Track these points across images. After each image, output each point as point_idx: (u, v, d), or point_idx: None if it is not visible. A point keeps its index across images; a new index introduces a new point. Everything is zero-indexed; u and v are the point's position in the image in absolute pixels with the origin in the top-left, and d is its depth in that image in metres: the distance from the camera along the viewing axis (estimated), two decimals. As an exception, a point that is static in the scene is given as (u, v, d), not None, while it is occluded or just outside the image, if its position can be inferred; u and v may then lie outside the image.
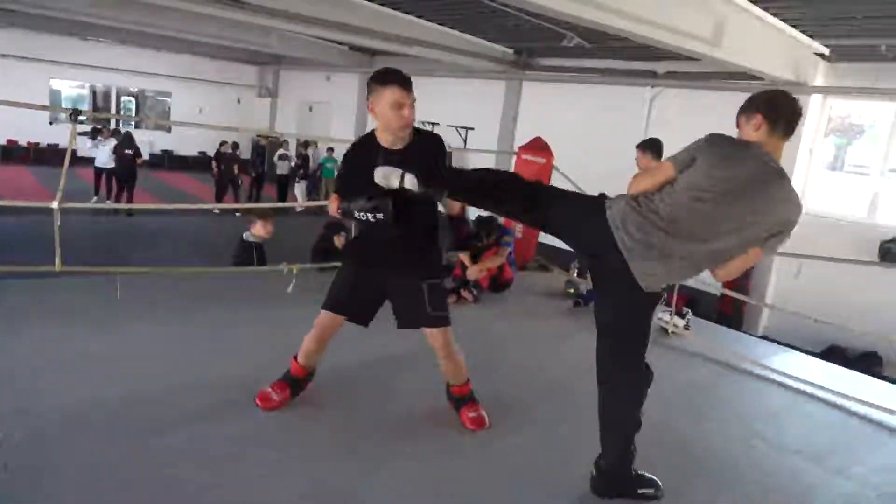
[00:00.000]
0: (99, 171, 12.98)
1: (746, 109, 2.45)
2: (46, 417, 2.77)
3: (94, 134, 13.48)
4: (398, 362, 3.83)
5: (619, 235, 2.35)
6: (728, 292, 6.69)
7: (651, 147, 5.17)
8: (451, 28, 10.96)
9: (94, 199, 12.39)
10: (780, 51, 7.85)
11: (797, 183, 9.02)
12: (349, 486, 2.56)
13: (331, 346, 3.08)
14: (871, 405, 4.05)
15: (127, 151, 12.80)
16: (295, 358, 3.07)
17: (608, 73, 11.24)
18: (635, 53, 10.05)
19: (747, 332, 7.38)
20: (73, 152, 15.83)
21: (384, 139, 2.77)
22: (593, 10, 5.47)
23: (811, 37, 7.95)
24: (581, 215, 2.54)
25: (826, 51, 8.37)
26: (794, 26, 7.53)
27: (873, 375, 5.32)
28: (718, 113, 10.62)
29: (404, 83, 2.66)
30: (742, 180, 2.28)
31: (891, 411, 3.98)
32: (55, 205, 3.81)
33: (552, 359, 4.41)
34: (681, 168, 2.40)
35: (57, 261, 3.81)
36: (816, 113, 9.09)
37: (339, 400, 3.26)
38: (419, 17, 10.22)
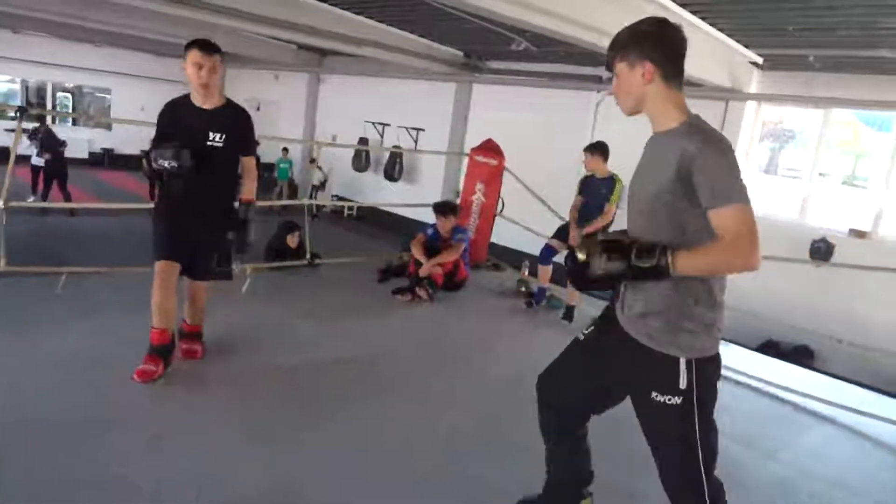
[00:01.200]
0: (36, 170, 12.55)
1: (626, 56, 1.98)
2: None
3: (33, 133, 12.99)
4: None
5: None
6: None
7: (600, 149, 5.40)
8: (401, 29, 11.00)
9: (31, 198, 11.93)
10: (718, 59, 8.21)
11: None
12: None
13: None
14: (800, 394, 4.31)
15: (59, 148, 12.50)
16: (152, 328, 3.20)
17: (555, 77, 11.50)
18: (581, 59, 10.30)
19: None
20: (6, 149, 15.13)
21: (195, 98, 3.22)
22: (538, 16, 5.62)
23: (746, 46, 8.33)
24: None
25: (760, 60, 8.79)
26: (729, 36, 7.88)
27: (805, 368, 5.64)
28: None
29: (203, 47, 3.12)
30: None
31: (819, 399, 4.25)
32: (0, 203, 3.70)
33: (506, 355, 4.52)
34: None
35: (1, 261, 3.70)
36: (751, 118, 9.55)
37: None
38: (369, 17, 10.23)
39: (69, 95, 20.40)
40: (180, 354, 3.46)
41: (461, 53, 12.69)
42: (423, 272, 5.51)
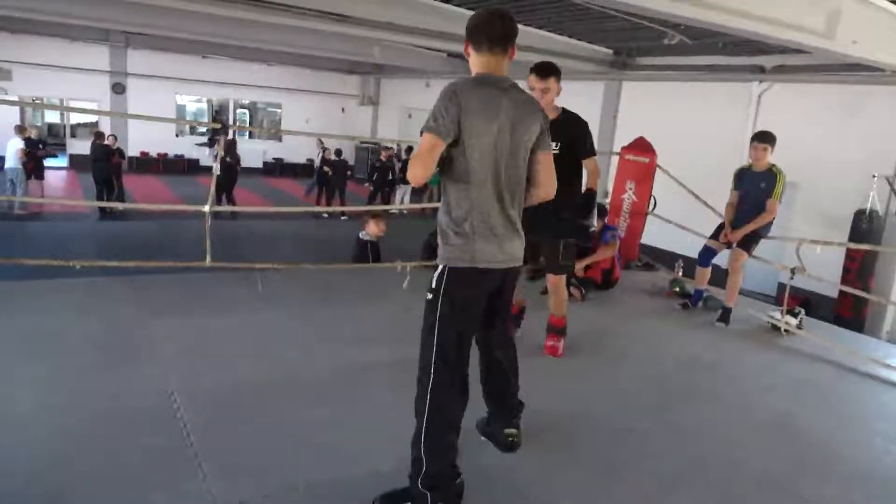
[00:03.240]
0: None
1: None
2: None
3: (210, 144, 14.77)
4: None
5: None
6: (846, 289, 6.42)
7: (770, 139, 5.12)
8: (549, 31, 11.08)
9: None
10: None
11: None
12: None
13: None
14: None
15: (228, 158, 13.95)
16: None
17: (713, 70, 10.96)
18: (741, 48, 9.76)
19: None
20: (197, 161, 17.21)
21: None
22: (696, 9, 5.44)
23: (938, 22, 7.46)
24: None
25: (955, 37, 7.81)
26: (918, 13, 7.10)
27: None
28: (830, 107, 10.26)
29: (537, 71, 3.63)
30: None
31: None
32: (206, 208, 4.31)
33: (664, 356, 4.48)
34: None
35: (208, 257, 4.32)
36: (945, 103, 8.50)
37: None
38: (518, 21, 10.40)
39: (246, 111, 22.68)
40: (545, 351, 4.08)
41: (610, 52, 12.49)
42: (577, 271, 5.54)
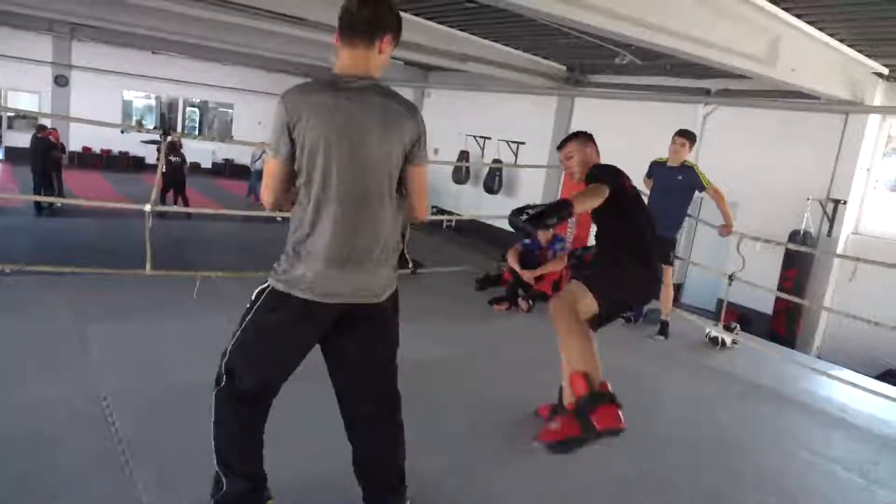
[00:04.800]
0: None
1: None
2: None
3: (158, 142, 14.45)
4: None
5: None
6: (783, 295, 6.65)
7: (692, 138, 5.32)
8: (504, 45, 11.23)
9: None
10: (837, 70, 7.82)
11: (854, 202, 8.94)
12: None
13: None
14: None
15: (173, 158, 13.68)
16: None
17: (660, 90, 11.31)
18: (688, 71, 10.10)
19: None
20: (143, 159, 16.75)
21: None
22: (650, 32, 5.63)
23: (868, 56, 7.90)
24: None
25: (885, 70, 8.29)
26: (850, 46, 7.51)
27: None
28: (771, 131, 10.71)
29: (559, 146, 3.37)
30: None
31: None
32: (148, 207, 4.19)
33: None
34: None
35: (148, 265, 4.20)
36: (874, 133, 8.97)
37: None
38: (475, 34, 10.53)
39: (196, 110, 22.16)
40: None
41: (564, 68, 12.74)
42: (527, 278, 5.60)
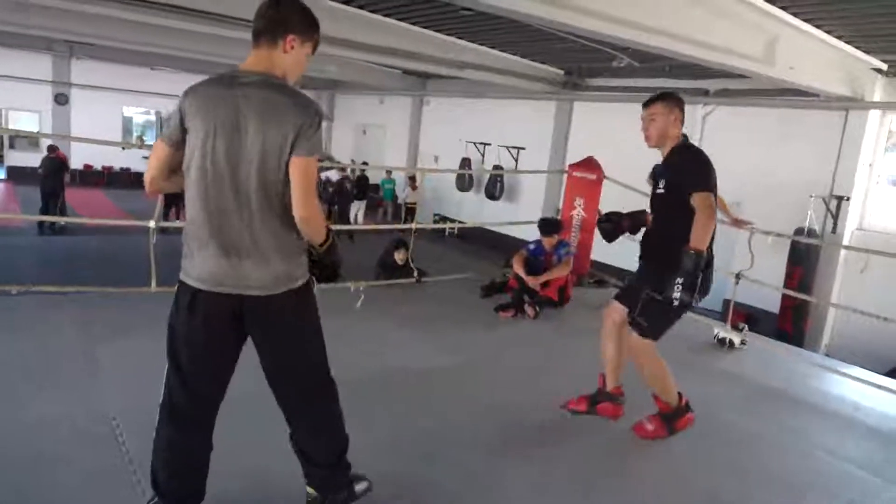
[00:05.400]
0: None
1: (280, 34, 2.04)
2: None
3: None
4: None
5: None
6: (791, 293, 6.63)
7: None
8: (501, 51, 11.26)
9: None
10: (835, 67, 7.83)
11: (857, 198, 8.92)
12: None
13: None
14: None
15: None
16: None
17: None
18: (686, 72, 10.12)
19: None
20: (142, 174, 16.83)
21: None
22: (646, 35, 5.65)
23: (867, 52, 7.90)
24: None
25: (884, 66, 8.29)
26: (848, 42, 7.51)
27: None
28: (771, 129, 10.70)
29: (645, 103, 3.21)
30: None
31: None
32: (152, 224, 4.18)
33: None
34: None
35: (153, 282, 4.18)
36: (875, 128, 8.96)
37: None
38: (471, 41, 10.56)
39: (196, 125, 22.20)
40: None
41: (561, 72, 12.78)
42: (532, 284, 5.59)
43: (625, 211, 3.60)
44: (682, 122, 3.18)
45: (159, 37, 11.36)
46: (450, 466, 2.92)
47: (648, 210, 3.44)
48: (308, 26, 2.08)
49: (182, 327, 2.12)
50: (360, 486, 2.38)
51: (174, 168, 2.06)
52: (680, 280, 2.85)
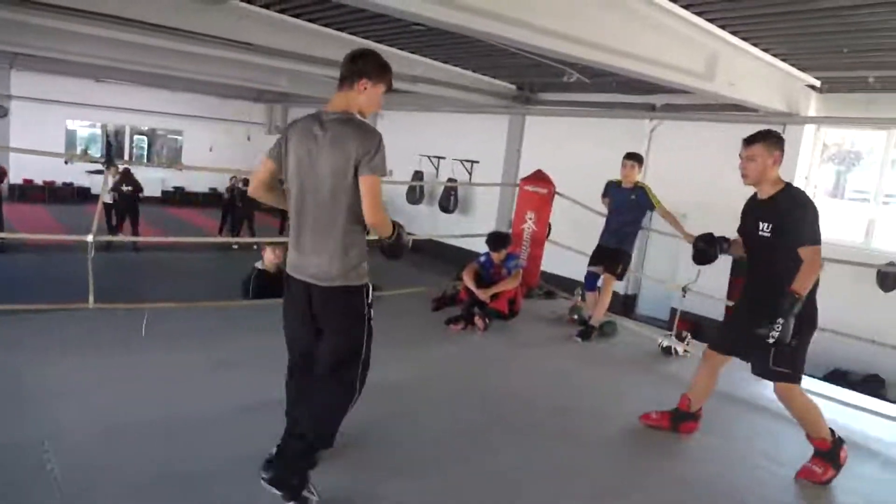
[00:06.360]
0: (108, 207, 13.49)
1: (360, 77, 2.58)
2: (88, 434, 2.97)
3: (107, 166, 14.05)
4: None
5: None
6: (731, 304, 6.81)
7: (639, 159, 5.63)
8: (454, 66, 11.35)
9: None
10: (772, 83, 8.14)
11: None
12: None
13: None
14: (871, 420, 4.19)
15: (126, 188, 13.39)
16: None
17: (608, 107, 11.58)
18: (633, 87, 10.38)
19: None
20: (88, 189, 16.32)
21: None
22: (594, 52, 5.76)
23: (802, 69, 8.24)
24: None
25: (817, 83, 8.66)
26: (784, 60, 7.83)
27: (877, 397, 5.44)
28: (714, 143, 11.01)
29: (744, 141, 3.29)
30: None
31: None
32: (90, 238, 4.05)
33: (557, 387, 4.58)
34: None
35: (91, 298, 4.04)
36: (810, 142, 9.35)
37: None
38: (424, 56, 10.62)
39: (144, 138, 21.69)
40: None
41: (514, 87, 12.94)
42: (482, 296, 5.61)
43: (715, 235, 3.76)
44: (781, 162, 3.23)
45: (105, 48, 11.06)
46: (397, 483, 2.89)
47: (741, 244, 3.51)
48: (379, 72, 2.61)
49: (284, 302, 2.74)
50: (310, 495, 2.55)
51: (275, 182, 2.70)
52: (781, 321, 2.97)
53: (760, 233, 3.22)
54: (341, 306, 2.61)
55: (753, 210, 3.33)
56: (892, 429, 4.25)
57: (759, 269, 3.36)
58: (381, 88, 2.61)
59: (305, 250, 2.58)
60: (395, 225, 2.66)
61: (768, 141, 3.20)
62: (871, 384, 7.81)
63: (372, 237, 2.66)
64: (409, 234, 2.76)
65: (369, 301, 2.66)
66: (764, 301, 3.12)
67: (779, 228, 3.14)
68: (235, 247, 12.71)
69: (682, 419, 3.71)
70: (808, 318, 3.14)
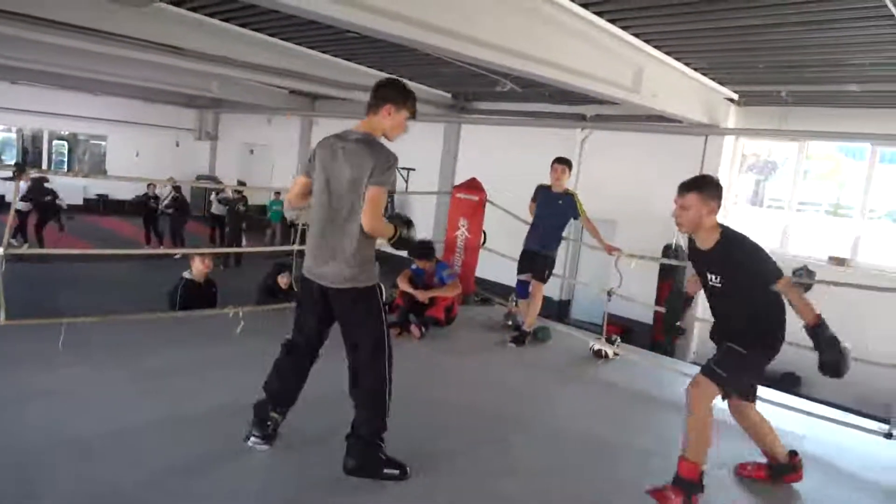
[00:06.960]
0: (22, 215, 12.81)
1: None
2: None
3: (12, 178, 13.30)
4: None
5: None
6: (659, 308, 7.07)
7: (568, 164, 5.74)
8: (389, 74, 11.33)
9: (15, 242, 12.10)
10: (694, 96, 8.52)
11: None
12: None
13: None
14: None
15: (47, 198, 12.88)
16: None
17: (540, 116, 11.83)
18: (565, 98, 10.65)
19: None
20: (2, 197, 15.35)
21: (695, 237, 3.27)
22: (524, 62, 5.87)
23: (721, 83, 8.66)
24: None
25: (735, 96, 9.12)
26: (704, 74, 8.20)
27: (794, 394, 5.74)
28: (642, 153, 11.41)
29: (680, 188, 3.14)
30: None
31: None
32: (0, 250, 3.82)
33: (495, 393, 4.62)
34: None
35: (2, 314, 3.81)
36: (730, 152, 9.83)
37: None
38: (358, 63, 10.57)
39: (65, 143, 20.66)
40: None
41: (449, 95, 13.05)
42: (420, 297, 5.63)
43: None
44: (718, 211, 3.12)
45: (22, 49, 10.48)
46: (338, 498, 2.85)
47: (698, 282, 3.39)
48: (402, 99, 2.94)
49: (300, 295, 3.16)
50: (389, 471, 2.93)
51: (307, 192, 3.04)
52: (843, 346, 3.08)
53: (711, 283, 3.20)
54: (361, 306, 2.92)
55: (699, 260, 3.28)
56: (806, 422, 4.48)
57: (717, 311, 3.34)
58: (404, 114, 2.93)
59: (323, 256, 2.88)
60: (397, 226, 2.97)
61: (704, 192, 3.07)
62: (787, 381, 8.22)
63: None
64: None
65: (383, 299, 3.02)
66: (729, 339, 3.17)
67: (731, 280, 3.10)
68: (177, 256, 12.23)
69: (780, 472, 3.46)
70: (764, 340, 3.17)
